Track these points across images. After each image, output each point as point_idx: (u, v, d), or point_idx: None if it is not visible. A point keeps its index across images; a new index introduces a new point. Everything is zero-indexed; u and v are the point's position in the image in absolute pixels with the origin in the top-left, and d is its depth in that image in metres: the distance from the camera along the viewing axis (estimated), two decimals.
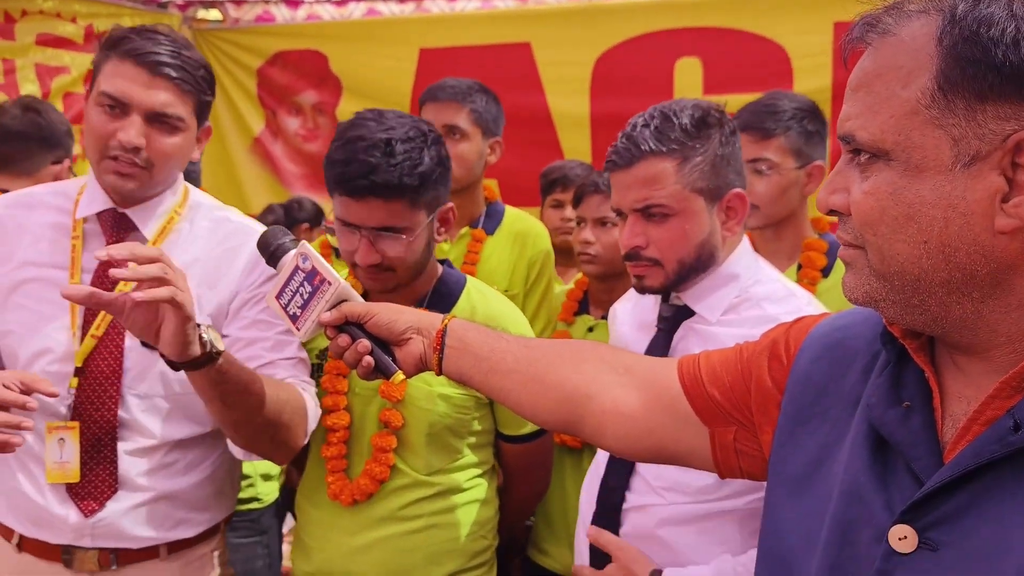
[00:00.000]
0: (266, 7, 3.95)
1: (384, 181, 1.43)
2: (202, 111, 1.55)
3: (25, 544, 1.50)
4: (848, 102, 0.78)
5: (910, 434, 0.78)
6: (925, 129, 0.72)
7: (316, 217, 3.81)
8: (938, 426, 0.78)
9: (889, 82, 0.74)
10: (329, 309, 1.15)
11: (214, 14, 3.99)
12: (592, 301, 2.28)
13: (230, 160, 4.03)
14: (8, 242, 1.54)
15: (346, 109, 3.88)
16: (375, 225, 1.47)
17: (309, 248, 1.16)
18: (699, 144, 1.37)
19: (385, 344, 1.16)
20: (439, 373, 1.15)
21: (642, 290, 1.44)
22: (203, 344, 1.27)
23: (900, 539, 0.74)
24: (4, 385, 1.27)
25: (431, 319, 1.16)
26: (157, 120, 1.46)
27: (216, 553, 1.62)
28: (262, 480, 2.38)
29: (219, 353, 1.30)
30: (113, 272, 1.20)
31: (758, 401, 0.97)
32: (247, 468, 2.35)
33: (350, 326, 1.15)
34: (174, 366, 1.29)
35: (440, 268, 1.67)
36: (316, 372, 1.63)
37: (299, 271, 1.16)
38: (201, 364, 1.29)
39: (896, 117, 0.73)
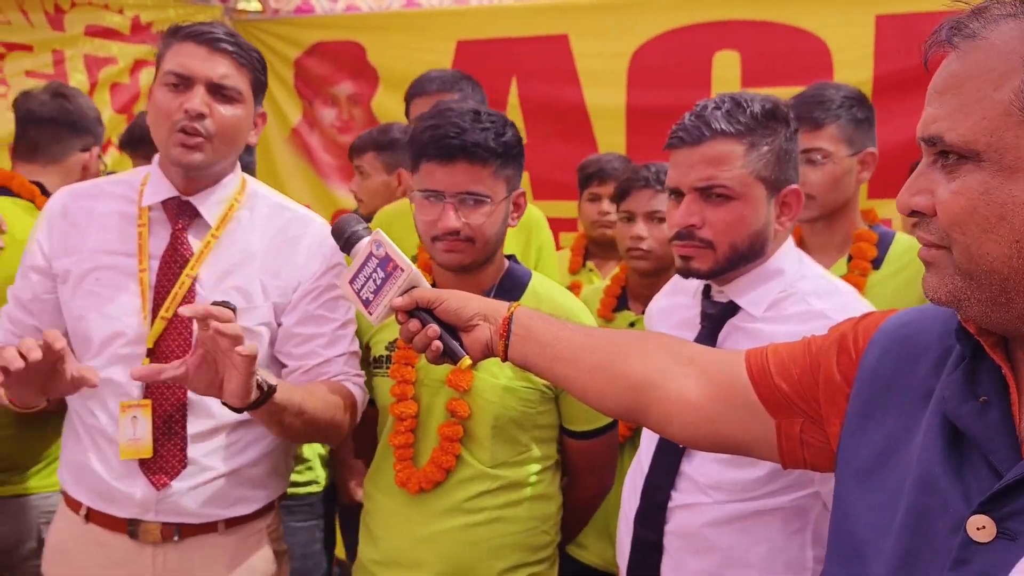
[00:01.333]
0: None
1: (474, 141, 1.51)
2: (258, 90, 1.62)
3: (92, 516, 1.57)
4: (933, 104, 0.80)
5: (987, 428, 0.79)
6: (1019, 130, 0.74)
7: None
8: (1015, 420, 0.79)
9: (980, 85, 0.76)
10: (401, 295, 1.18)
11: (254, 5, 4.03)
12: (631, 296, 2.29)
13: (268, 150, 4.07)
14: (78, 232, 1.60)
15: (381, 101, 3.91)
16: (460, 190, 1.53)
17: (383, 236, 1.19)
18: (767, 133, 1.38)
19: (453, 330, 1.19)
20: (504, 359, 1.18)
21: (687, 273, 1.43)
22: (259, 386, 1.35)
23: (979, 529, 0.76)
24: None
25: (498, 306, 1.20)
26: (218, 91, 1.54)
27: (270, 529, 1.68)
28: (321, 464, 2.42)
29: (273, 389, 1.39)
30: (214, 325, 1.27)
31: (826, 393, 0.99)
32: (307, 451, 2.40)
33: (420, 311, 1.18)
34: (236, 410, 1.38)
35: (506, 263, 1.69)
36: (385, 363, 1.67)
37: (372, 257, 1.19)
38: (260, 404, 1.37)
39: (988, 119, 0.75)
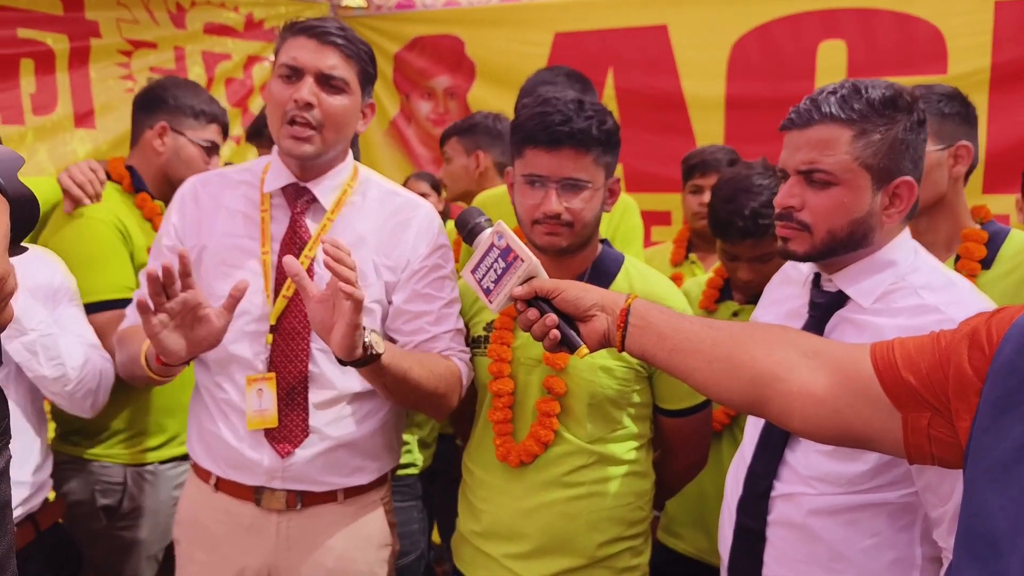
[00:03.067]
0: None
1: (579, 129, 1.56)
2: (365, 83, 1.68)
3: (221, 484, 1.68)
4: None
5: None
6: None
7: None
8: None
9: None
10: (520, 284, 1.22)
11: (358, 1, 4.15)
12: (734, 286, 2.27)
13: (368, 142, 4.20)
14: (208, 218, 1.71)
15: (478, 94, 3.97)
16: (564, 175, 1.58)
17: (505, 227, 1.24)
18: (882, 122, 1.35)
19: (570, 319, 1.22)
20: (621, 350, 1.21)
21: (785, 254, 1.44)
22: (365, 347, 1.43)
23: None
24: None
25: (615, 297, 1.22)
26: (326, 82, 1.61)
27: (384, 501, 1.77)
28: (419, 447, 2.50)
29: (379, 355, 1.46)
30: (329, 264, 1.37)
31: (956, 388, 0.98)
32: (405, 435, 2.48)
33: (538, 301, 1.22)
34: (342, 363, 1.46)
35: (600, 246, 1.73)
36: (483, 343, 1.74)
37: (494, 248, 1.24)
38: (364, 364, 1.45)
39: None
